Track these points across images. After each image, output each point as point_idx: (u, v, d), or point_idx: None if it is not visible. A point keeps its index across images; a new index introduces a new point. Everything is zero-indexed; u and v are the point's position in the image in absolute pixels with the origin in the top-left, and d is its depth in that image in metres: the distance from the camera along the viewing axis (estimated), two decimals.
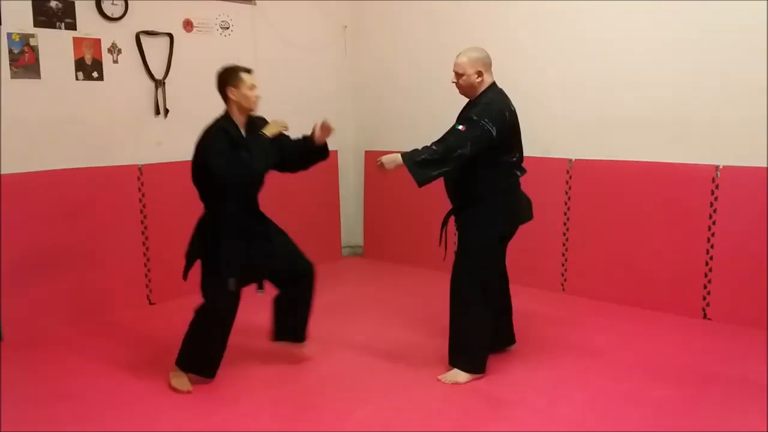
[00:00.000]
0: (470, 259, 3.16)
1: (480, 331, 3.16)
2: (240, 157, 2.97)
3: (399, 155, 3.01)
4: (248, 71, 3.13)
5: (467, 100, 3.22)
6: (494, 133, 2.95)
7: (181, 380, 3.10)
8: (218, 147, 2.99)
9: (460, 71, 3.10)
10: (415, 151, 3.01)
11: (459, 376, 3.14)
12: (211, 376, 3.16)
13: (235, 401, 3.00)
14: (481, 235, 3.14)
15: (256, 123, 3.17)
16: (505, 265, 3.43)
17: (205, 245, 3.12)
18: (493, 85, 3.15)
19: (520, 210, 3.23)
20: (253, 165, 2.99)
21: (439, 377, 3.16)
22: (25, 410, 2.92)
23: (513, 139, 3.13)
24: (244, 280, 3.14)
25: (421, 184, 2.99)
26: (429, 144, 3.02)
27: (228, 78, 3.12)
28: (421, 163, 2.96)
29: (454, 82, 3.16)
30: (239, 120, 3.13)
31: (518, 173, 3.21)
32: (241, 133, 3.11)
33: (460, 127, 2.99)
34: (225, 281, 3.05)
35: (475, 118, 2.97)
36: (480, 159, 3.01)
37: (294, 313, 3.36)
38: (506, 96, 3.17)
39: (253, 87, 3.10)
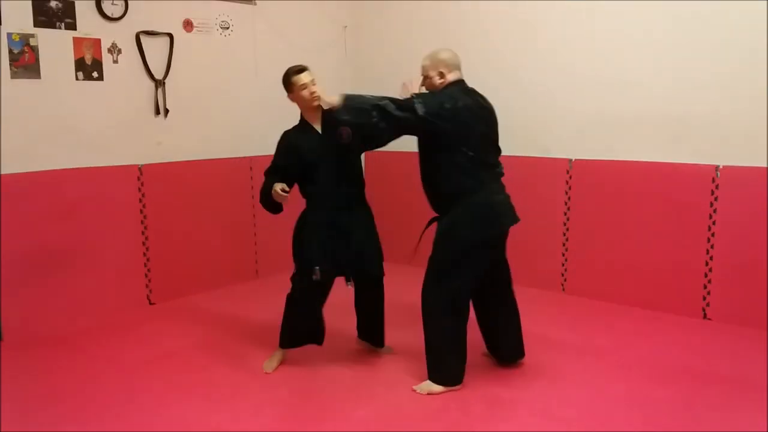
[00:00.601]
0: (435, 271, 3.05)
1: (451, 345, 3.05)
2: (265, 183, 3.25)
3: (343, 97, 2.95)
4: (300, 71, 3.16)
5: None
6: (420, 113, 2.84)
7: (269, 362, 3.37)
8: (274, 158, 3.29)
9: (423, 74, 3.08)
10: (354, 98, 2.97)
11: (433, 386, 3.05)
12: (290, 346, 3.39)
13: (235, 401, 3.00)
14: (448, 246, 3.02)
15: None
16: (506, 273, 3.36)
17: (294, 235, 3.32)
18: (456, 82, 3.06)
19: (496, 215, 3.08)
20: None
21: (414, 387, 3.07)
22: (25, 410, 2.92)
23: (460, 134, 2.95)
24: (329, 272, 3.23)
25: (339, 110, 2.92)
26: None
27: (285, 85, 3.21)
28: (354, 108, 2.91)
29: (421, 86, 3.13)
30: (312, 117, 3.23)
31: (484, 174, 3.05)
32: (316, 130, 3.23)
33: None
34: (304, 270, 3.22)
35: (410, 97, 2.94)
36: (431, 156, 3.03)
37: (367, 317, 3.54)
38: (470, 93, 3.05)
39: (304, 86, 3.14)
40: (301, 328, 3.37)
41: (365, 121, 2.89)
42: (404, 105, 2.90)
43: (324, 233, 3.20)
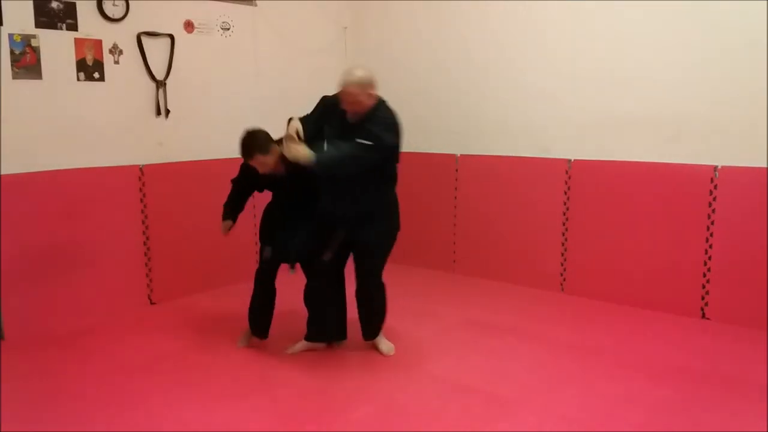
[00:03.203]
0: (381, 262, 3.51)
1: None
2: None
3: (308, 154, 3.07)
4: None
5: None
6: (390, 143, 3.15)
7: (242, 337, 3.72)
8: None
9: (353, 99, 3.13)
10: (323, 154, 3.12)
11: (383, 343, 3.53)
12: (255, 335, 3.66)
13: (235, 401, 3.01)
14: (389, 244, 3.49)
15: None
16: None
17: None
18: (380, 98, 3.23)
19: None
20: None
21: (383, 349, 3.52)
22: (25, 410, 2.93)
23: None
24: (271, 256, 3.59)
25: (314, 164, 3.07)
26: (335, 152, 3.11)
27: None
28: (326, 161, 3.10)
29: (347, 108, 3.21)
30: None
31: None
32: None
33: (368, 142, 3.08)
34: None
35: (377, 133, 3.08)
36: (374, 171, 3.20)
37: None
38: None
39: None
40: (253, 308, 3.66)
41: (342, 171, 3.14)
42: (371, 146, 3.06)
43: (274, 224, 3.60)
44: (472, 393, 3.07)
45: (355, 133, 3.11)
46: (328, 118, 3.28)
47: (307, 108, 3.41)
